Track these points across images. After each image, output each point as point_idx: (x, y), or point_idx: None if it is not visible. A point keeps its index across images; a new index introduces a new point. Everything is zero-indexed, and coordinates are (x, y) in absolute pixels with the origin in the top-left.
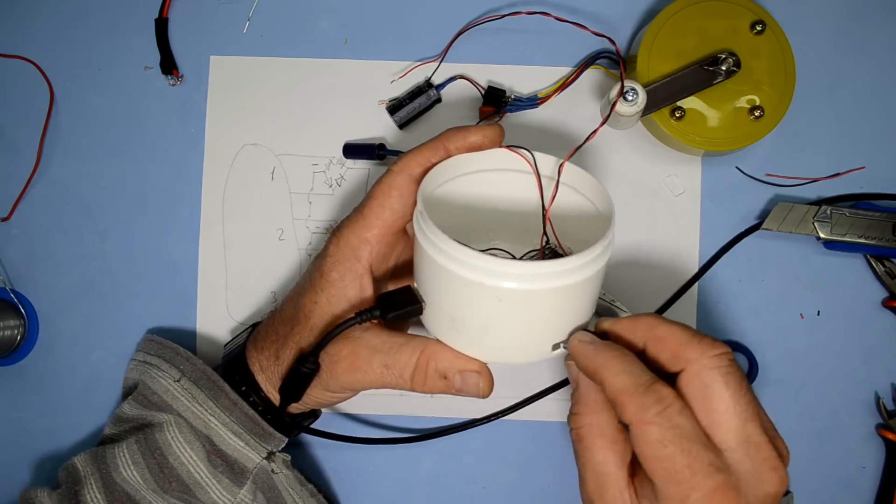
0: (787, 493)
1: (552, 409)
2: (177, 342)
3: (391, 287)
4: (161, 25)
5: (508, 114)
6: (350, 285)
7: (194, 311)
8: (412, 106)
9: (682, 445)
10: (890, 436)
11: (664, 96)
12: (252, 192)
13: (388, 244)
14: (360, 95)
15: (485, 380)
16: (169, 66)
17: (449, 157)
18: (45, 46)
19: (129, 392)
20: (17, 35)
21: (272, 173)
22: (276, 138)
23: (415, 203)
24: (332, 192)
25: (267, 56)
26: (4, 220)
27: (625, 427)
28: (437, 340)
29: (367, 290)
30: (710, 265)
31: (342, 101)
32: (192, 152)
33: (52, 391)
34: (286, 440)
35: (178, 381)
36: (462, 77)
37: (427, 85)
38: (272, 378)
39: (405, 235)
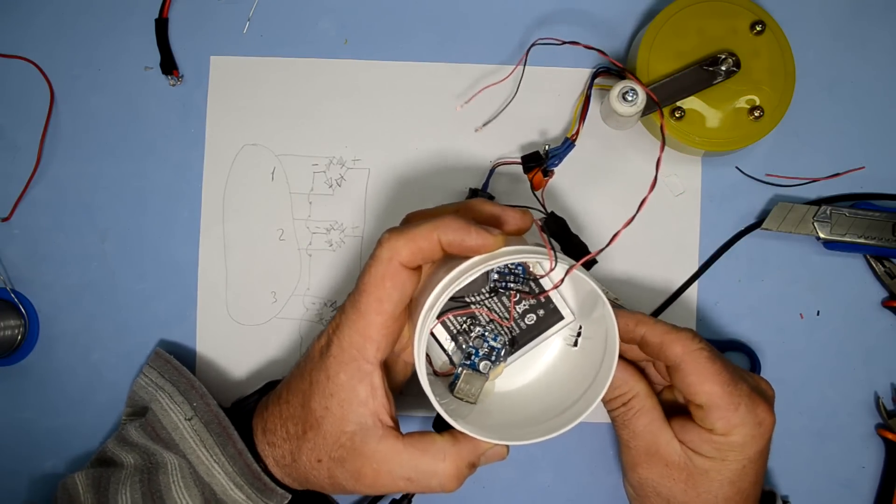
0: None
1: None
2: (177, 342)
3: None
4: (161, 25)
5: (559, 165)
6: (360, 386)
7: (194, 311)
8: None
9: (723, 360)
10: (889, 436)
11: (664, 96)
12: (252, 192)
13: (393, 331)
14: (360, 95)
15: (504, 447)
16: (169, 66)
17: (440, 249)
18: (45, 46)
19: (135, 410)
20: (17, 35)
21: (272, 173)
22: (276, 138)
23: (412, 285)
24: (332, 192)
25: (267, 56)
26: (5, 220)
27: (667, 372)
28: (451, 435)
29: (378, 388)
30: (709, 265)
31: (342, 101)
32: (192, 152)
33: (52, 391)
34: (289, 496)
35: (189, 419)
36: (497, 164)
37: (474, 193)
38: (288, 472)
39: (407, 310)
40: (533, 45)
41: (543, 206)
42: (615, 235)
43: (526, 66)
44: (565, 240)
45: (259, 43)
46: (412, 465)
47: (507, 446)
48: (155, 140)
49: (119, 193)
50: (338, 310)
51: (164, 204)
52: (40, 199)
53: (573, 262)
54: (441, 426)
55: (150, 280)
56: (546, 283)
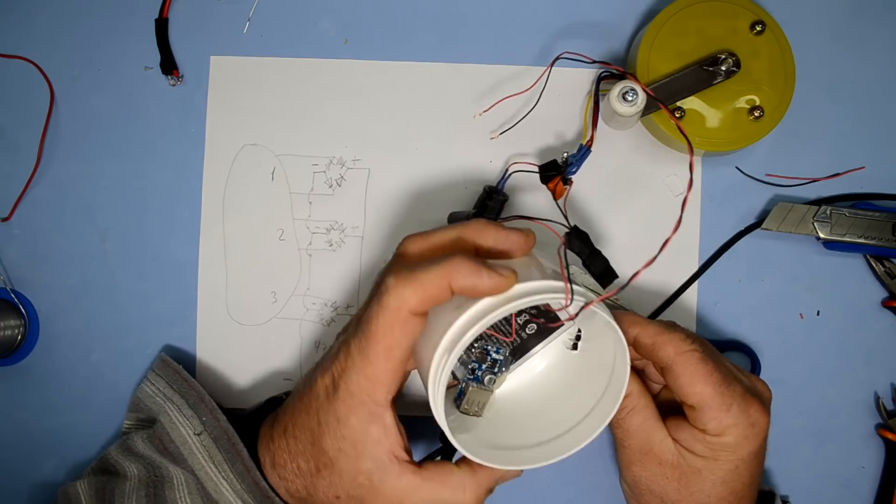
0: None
1: None
2: (177, 342)
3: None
4: (161, 25)
5: (578, 173)
6: (372, 427)
7: (194, 311)
8: (488, 217)
9: (715, 360)
10: (889, 436)
11: (664, 96)
12: (252, 192)
13: (401, 373)
14: (360, 95)
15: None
16: (169, 66)
17: (450, 293)
18: (45, 46)
19: (140, 418)
20: (17, 35)
21: (272, 173)
22: (276, 138)
23: (420, 328)
24: (332, 192)
25: (267, 56)
26: (5, 220)
27: (659, 374)
28: (468, 464)
29: (391, 427)
30: (709, 265)
31: (342, 101)
32: (192, 152)
33: (52, 391)
34: None
35: (198, 434)
36: (515, 166)
37: (489, 192)
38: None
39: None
40: (558, 57)
41: (566, 217)
42: (635, 274)
43: (525, 68)
44: (588, 256)
45: (259, 43)
46: (432, 498)
47: (520, 469)
48: (155, 140)
49: (119, 193)
50: (341, 347)
51: (164, 204)
52: (40, 199)
53: (590, 296)
54: (450, 444)
55: (150, 280)
56: (560, 311)
